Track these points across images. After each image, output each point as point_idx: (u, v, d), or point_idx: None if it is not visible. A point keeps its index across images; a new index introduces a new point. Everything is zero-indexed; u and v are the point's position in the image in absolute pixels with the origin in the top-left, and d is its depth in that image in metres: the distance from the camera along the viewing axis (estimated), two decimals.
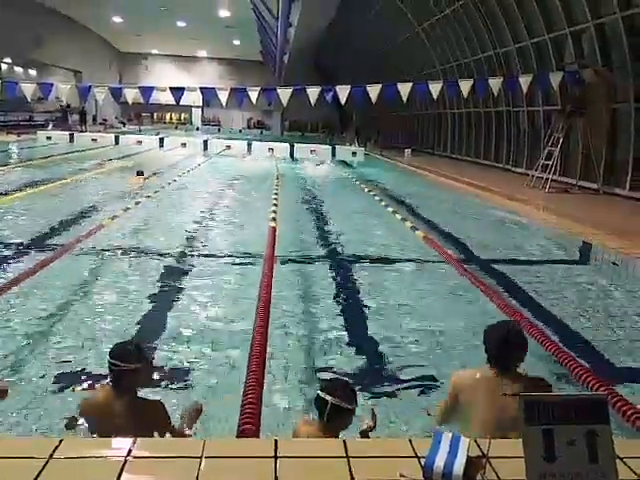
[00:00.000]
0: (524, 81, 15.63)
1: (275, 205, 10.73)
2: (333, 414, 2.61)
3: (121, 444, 2.01)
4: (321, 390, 2.70)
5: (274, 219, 9.16)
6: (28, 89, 17.37)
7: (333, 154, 26.58)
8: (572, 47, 15.38)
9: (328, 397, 2.63)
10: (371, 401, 3.73)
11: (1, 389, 2.97)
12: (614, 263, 7.92)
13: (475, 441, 2.10)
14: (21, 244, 7.42)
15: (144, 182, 13.21)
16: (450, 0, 20.63)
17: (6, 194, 11.17)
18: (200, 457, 1.93)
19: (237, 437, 2.81)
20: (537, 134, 18.46)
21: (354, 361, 4.43)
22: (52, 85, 17.86)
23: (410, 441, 2.15)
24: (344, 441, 2.13)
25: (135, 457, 1.92)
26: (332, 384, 2.77)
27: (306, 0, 21.98)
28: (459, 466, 1.95)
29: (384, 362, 4.44)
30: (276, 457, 1.97)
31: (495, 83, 15.96)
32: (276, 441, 2.08)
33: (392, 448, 2.16)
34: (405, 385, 4.07)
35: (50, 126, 30.43)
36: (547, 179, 14.97)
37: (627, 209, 12.74)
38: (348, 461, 1.99)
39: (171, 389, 3.82)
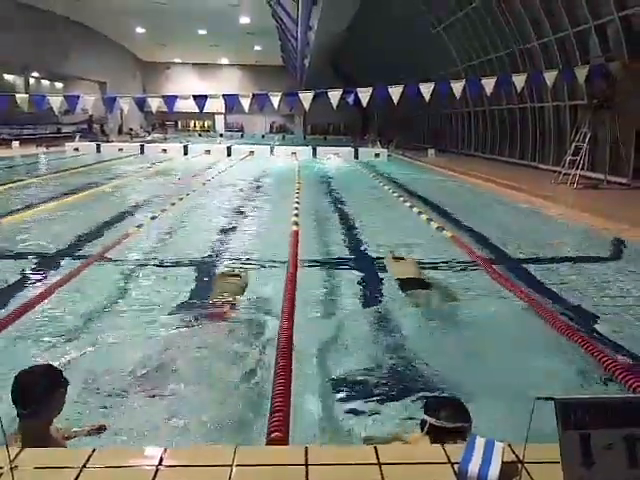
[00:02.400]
0: (549, 76, 15.38)
1: (297, 209, 10.78)
2: (434, 433, 2.53)
3: (152, 453, 2.02)
4: (424, 407, 2.66)
5: (296, 223, 9.20)
6: (55, 102, 17.74)
7: (356, 156, 26.60)
8: (597, 40, 15.07)
9: (426, 416, 2.58)
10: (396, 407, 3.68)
11: (100, 426, 3.15)
12: None
13: (509, 446, 2.05)
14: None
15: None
16: None
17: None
18: (231, 465, 1.92)
19: (266, 445, 2.80)
20: (563, 130, 18.16)
21: (378, 367, 4.29)
22: (78, 97, 18.18)
23: (443, 446, 2.12)
24: (375, 447, 2.10)
25: (166, 466, 1.92)
26: (434, 403, 2.70)
27: (325, 4, 21.97)
28: (494, 472, 1.91)
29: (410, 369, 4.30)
30: (307, 464, 1.95)
31: (519, 80, 15.74)
32: (307, 448, 2.06)
33: (424, 454, 2.12)
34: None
35: (77, 137, 31.07)
36: (575, 175, 14.70)
37: None
38: (380, 468, 1.96)
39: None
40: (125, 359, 4.26)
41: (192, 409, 3.53)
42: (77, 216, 10.46)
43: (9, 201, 11.80)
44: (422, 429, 2.60)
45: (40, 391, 2.53)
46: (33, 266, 6.87)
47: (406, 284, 5.76)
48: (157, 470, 1.89)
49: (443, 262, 7.22)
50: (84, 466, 1.89)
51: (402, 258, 6.69)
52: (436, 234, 9.01)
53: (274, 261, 7.19)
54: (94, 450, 2.01)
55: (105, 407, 3.58)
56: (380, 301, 5.72)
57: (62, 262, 7.07)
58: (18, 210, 10.48)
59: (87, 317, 5.19)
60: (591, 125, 15.05)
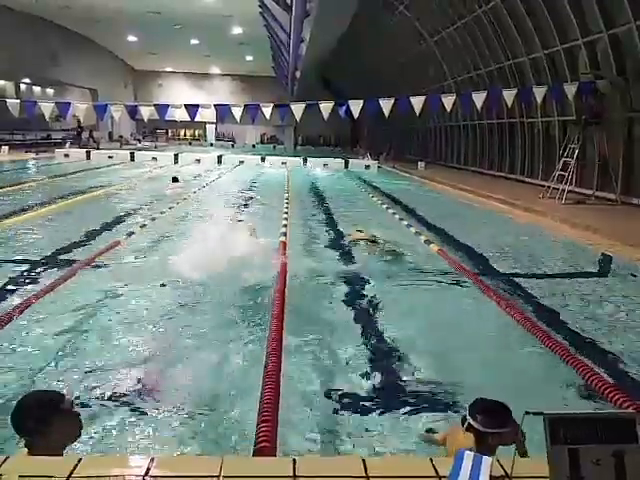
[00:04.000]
0: (538, 92, 15.55)
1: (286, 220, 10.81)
2: (472, 432, 2.61)
3: (139, 462, 2.00)
4: (469, 406, 2.71)
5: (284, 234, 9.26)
6: (46, 108, 17.64)
7: (346, 167, 26.71)
8: (586, 57, 15.28)
9: (467, 415, 2.65)
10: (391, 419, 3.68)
11: None
12: (634, 275, 7.76)
13: (498, 461, 2.05)
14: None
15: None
16: (461, 13, 20.71)
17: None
18: (218, 476, 1.91)
19: (253, 456, 2.78)
20: (552, 145, 18.34)
21: (368, 380, 4.30)
22: (70, 104, 18.10)
23: (431, 460, 2.12)
24: (363, 460, 2.10)
25: (153, 476, 1.90)
26: (477, 404, 2.71)
27: (318, 16, 22.11)
28: None
29: (398, 380, 4.32)
30: (295, 476, 1.94)
31: (509, 95, 15.90)
32: (295, 460, 2.05)
33: (412, 467, 2.12)
34: (417, 406, 3.91)
35: (67, 144, 31.01)
36: (563, 190, 14.82)
37: None
38: None
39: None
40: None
41: None
42: (59, 224, 10.34)
43: None
44: (462, 423, 2.71)
45: (34, 419, 2.26)
46: (13, 274, 6.74)
47: (360, 241, 9.13)
48: None
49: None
50: (70, 475, 1.87)
51: (362, 231, 9.54)
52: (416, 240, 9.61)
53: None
54: (80, 459, 1.98)
55: None
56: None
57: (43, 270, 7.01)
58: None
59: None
60: (579, 141, 15.21)
